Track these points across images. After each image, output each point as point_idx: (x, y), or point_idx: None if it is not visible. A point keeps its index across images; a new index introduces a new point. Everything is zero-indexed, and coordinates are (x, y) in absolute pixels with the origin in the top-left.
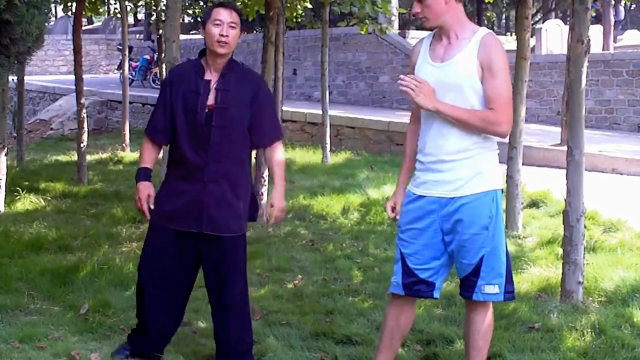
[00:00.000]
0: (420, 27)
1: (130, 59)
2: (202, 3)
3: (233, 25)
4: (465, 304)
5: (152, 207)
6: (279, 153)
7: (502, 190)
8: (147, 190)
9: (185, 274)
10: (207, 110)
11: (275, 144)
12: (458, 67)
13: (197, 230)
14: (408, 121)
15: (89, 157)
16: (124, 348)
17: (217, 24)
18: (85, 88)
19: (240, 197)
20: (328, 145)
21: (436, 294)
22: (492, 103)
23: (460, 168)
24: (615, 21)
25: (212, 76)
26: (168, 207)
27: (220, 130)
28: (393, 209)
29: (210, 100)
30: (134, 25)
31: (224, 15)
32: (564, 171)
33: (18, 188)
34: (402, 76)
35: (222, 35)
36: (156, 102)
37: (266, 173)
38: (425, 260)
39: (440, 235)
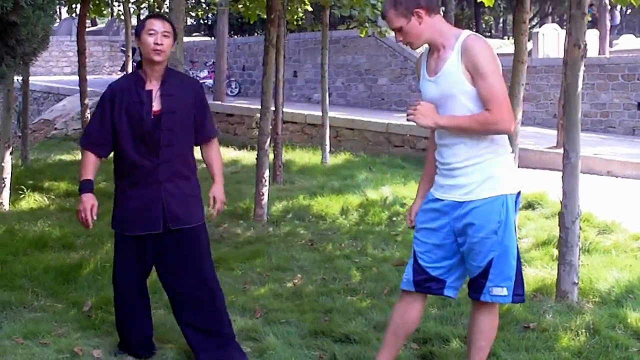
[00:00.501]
0: None
1: (133, 60)
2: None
3: (166, 34)
4: (472, 303)
5: (95, 218)
6: (218, 149)
7: (519, 193)
8: (90, 201)
9: (146, 275)
10: (152, 117)
11: (213, 140)
12: (447, 78)
13: (160, 230)
14: (407, 123)
15: None
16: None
17: (152, 34)
18: (89, 89)
19: (194, 190)
20: (327, 147)
21: (448, 292)
22: (487, 104)
23: (471, 174)
24: (611, 26)
25: (152, 85)
26: (129, 214)
27: (168, 133)
28: (411, 219)
29: (156, 106)
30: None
31: (157, 25)
32: (560, 173)
33: (22, 187)
34: (408, 111)
35: (156, 44)
36: (92, 116)
37: (267, 174)
38: (436, 259)
39: (453, 237)
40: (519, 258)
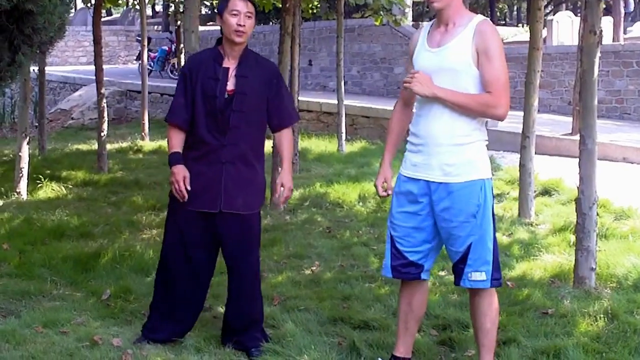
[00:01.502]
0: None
1: (149, 50)
2: None
3: (249, 15)
4: (468, 289)
5: (189, 188)
6: (290, 136)
7: (491, 179)
8: (182, 172)
9: (207, 255)
10: (226, 96)
11: (287, 128)
12: (453, 52)
13: (216, 210)
14: None
15: (109, 146)
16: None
17: (235, 14)
18: (105, 78)
19: (255, 178)
20: (343, 135)
21: (424, 276)
22: (489, 87)
23: (450, 154)
24: (625, 13)
25: (229, 63)
26: (189, 188)
27: (238, 114)
28: (384, 188)
29: (230, 86)
30: (153, 17)
31: (240, 5)
32: (576, 160)
33: (40, 176)
34: (405, 79)
35: (239, 25)
36: (176, 90)
37: None
38: (416, 243)
39: (432, 219)
40: (495, 242)
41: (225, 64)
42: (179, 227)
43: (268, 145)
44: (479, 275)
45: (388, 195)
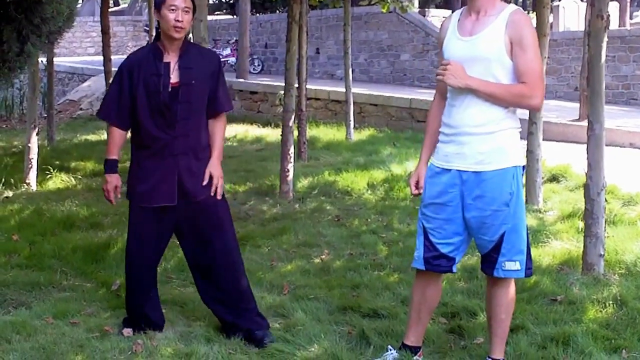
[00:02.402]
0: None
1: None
2: None
3: (187, 10)
4: (487, 278)
5: (119, 197)
6: (223, 124)
7: (524, 167)
8: (115, 181)
9: (163, 247)
10: (170, 89)
11: (221, 115)
12: (486, 41)
13: (174, 203)
14: (430, 98)
15: None
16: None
17: (172, 10)
18: (113, 69)
19: (206, 164)
20: (352, 123)
21: (454, 269)
22: (524, 77)
23: (481, 142)
24: None
25: (170, 58)
26: (144, 187)
27: (186, 105)
28: (417, 186)
29: (174, 79)
30: None
31: (178, 1)
32: (583, 146)
33: (49, 167)
34: (437, 71)
35: (177, 21)
36: (109, 87)
37: (292, 151)
38: (447, 235)
39: (461, 211)
40: (527, 231)
41: (166, 58)
42: (144, 228)
43: (275, 134)
44: (513, 265)
45: (419, 194)
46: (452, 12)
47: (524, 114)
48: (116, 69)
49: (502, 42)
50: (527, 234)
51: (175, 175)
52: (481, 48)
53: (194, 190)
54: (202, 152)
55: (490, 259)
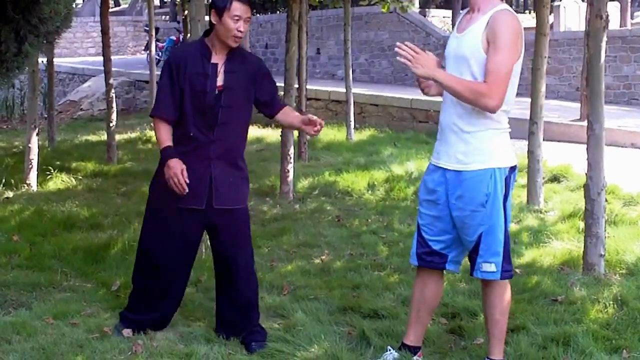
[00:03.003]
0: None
1: (156, 40)
2: None
3: (248, 19)
4: (480, 279)
5: (187, 181)
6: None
7: (512, 168)
8: (179, 165)
9: (191, 251)
10: (216, 92)
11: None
12: (468, 39)
13: (202, 207)
14: (431, 99)
15: (118, 137)
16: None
17: (236, 19)
18: (113, 69)
19: (241, 173)
20: (352, 123)
21: (450, 267)
22: (487, 76)
23: (461, 142)
24: None
25: (218, 59)
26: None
27: (227, 110)
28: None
29: (219, 81)
30: (160, 7)
31: (243, 10)
32: (584, 146)
33: (50, 168)
34: (398, 43)
35: (239, 31)
36: (160, 83)
37: (292, 151)
38: (437, 232)
39: (448, 209)
40: (507, 234)
41: (214, 59)
42: (164, 225)
43: (275, 135)
44: (489, 267)
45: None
46: (452, 12)
47: (524, 114)
48: (116, 69)
49: (480, 40)
50: (507, 236)
51: (207, 179)
52: (464, 45)
53: (227, 197)
54: (240, 160)
55: (470, 260)
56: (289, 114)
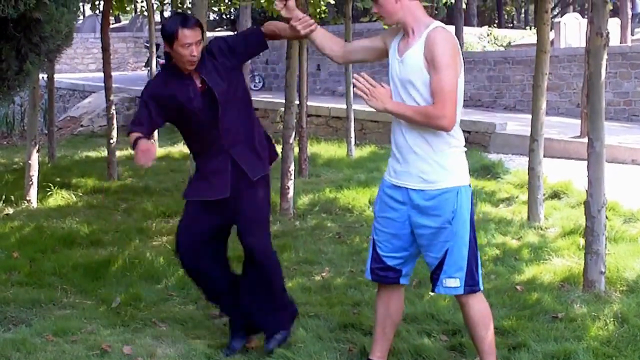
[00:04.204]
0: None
1: (157, 56)
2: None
3: (199, 41)
4: (457, 301)
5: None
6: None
7: (469, 186)
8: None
9: (218, 246)
10: (200, 93)
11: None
12: (409, 62)
13: (227, 195)
14: None
15: (118, 153)
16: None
17: (187, 46)
18: (114, 85)
19: (258, 147)
20: (353, 139)
21: (403, 281)
22: (434, 97)
23: (423, 162)
24: (632, 14)
25: (190, 72)
26: (199, 182)
27: (224, 105)
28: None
29: (198, 84)
30: (161, 23)
31: (191, 36)
32: (585, 163)
33: (50, 184)
34: (355, 75)
35: (193, 56)
36: (138, 110)
37: (292, 167)
38: (394, 249)
39: (409, 227)
40: (473, 249)
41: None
42: (193, 221)
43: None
44: (452, 282)
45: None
46: (455, 27)
47: (525, 130)
48: (116, 86)
49: (422, 63)
50: (473, 251)
51: (228, 166)
52: (406, 69)
53: (251, 169)
54: (260, 147)
55: (433, 277)
56: (275, 30)
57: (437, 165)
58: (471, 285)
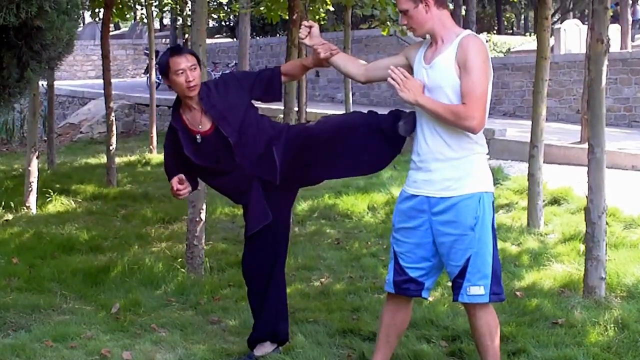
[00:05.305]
0: None
1: (157, 63)
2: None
3: (194, 67)
4: (465, 308)
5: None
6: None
7: (492, 193)
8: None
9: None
10: (206, 136)
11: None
12: (439, 69)
13: (269, 220)
14: None
15: (118, 160)
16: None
17: (180, 73)
18: (113, 92)
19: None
20: None
21: (425, 294)
22: (464, 98)
23: (448, 169)
24: (632, 20)
25: (195, 109)
26: (226, 190)
27: (233, 137)
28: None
29: (207, 124)
30: (160, 30)
31: (182, 63)
32: (585, 169)
33: (49, 190)
34: (392, 67)
35: (189, 82)
36: (165, 148)
37: None
38: (416, 260)
39: (431, 236)
40: (496, 256)
41: (189, 114)
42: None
43: None
44: (477, 290)
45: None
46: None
47: (525, 136)
48: (116, 93)
49: (453, 68)
50: (496, 259)
51: (260, 191)
52: (435, 76)
53: (281, 165)
54: (271, 150)
55: (455, 285)
56: (294, 70)
57: (461, 171)
58: (497, 294)
